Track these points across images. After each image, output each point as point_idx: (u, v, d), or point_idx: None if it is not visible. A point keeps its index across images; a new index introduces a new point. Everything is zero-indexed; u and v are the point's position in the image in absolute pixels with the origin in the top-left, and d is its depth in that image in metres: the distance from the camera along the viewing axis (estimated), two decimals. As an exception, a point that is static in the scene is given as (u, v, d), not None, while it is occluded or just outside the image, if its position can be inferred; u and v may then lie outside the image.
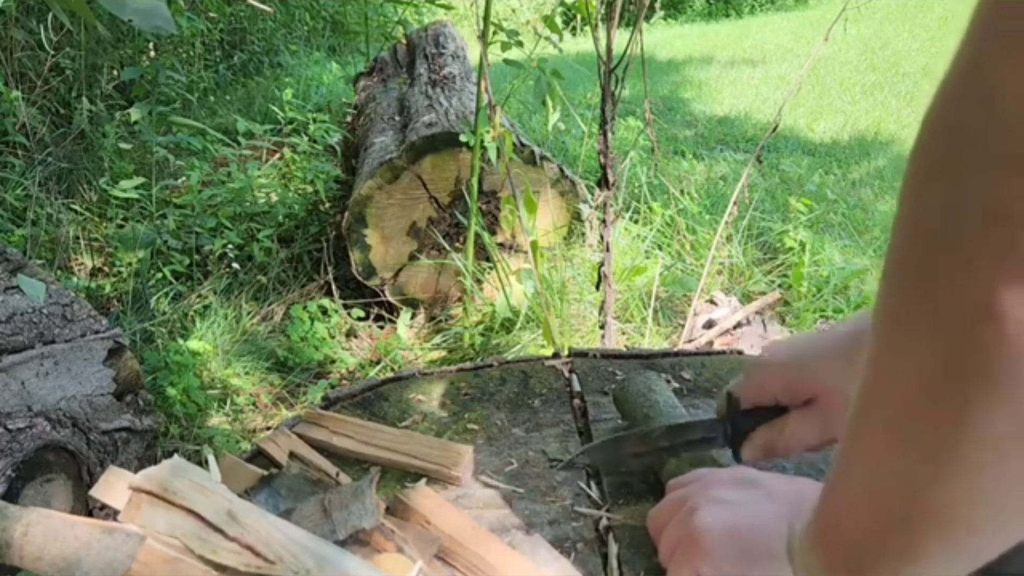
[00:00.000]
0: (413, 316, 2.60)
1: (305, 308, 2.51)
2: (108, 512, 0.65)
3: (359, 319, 2.58)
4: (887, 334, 0.33)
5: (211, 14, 4.99)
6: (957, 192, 0.29)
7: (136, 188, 2.83)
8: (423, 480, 0.73)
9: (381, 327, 2.59)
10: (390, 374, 0.97)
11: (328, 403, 0.87)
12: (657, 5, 2.74)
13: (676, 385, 0.91)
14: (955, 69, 0.29)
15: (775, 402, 0.65)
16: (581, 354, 0.97)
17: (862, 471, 0.36)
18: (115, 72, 4.06)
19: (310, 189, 3.35)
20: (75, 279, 2.67)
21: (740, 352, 1.01)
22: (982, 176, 0.28)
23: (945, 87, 0.30)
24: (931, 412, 0.31)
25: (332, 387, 2.25)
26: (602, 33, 1.96)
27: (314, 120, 3.86)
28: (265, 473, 0.71)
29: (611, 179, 2.07)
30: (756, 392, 0.66)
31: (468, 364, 0.95)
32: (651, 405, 0.77)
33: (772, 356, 0.67)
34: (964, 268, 0.29)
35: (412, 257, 2.56)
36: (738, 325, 2.39)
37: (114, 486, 0.59)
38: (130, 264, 2.66)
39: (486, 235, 2.43)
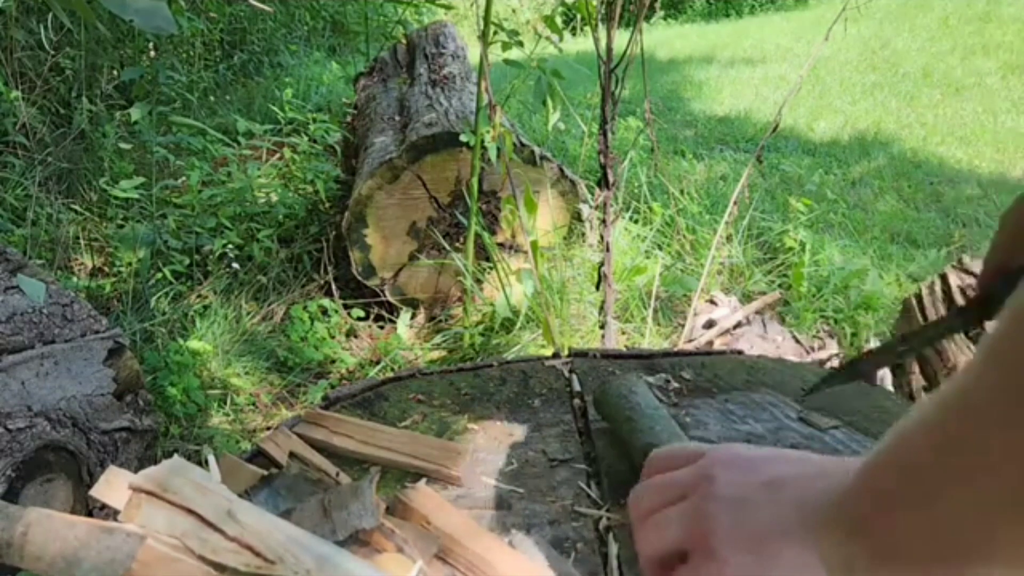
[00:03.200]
0: (413, 316, 2.60)
1: (305, 308, 2.51)
2: (108, 512, 0.65)
3: (359, 319, 2.58)
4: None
5: (211, 14, 4.99)
6: None
7: (136, 188, 2.83)
8: (423, 480, 0.73)
9: (381, 327, 2.59)
10: (390, 374, 0.97)
11: (328, 403, 0.87)
12: (657, 5, 2.74)
13: (676, 385, 0.91)
14: None
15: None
16: (581, 354, 0.97)
17: (941, 500, 0.36)
18: (115, 72, 4.06)
19: (310, 189, 3.35)
20: (75, 279, 2.67)
21: (740, 352, 1.01)
22: None
23: None
24: None
25: (332, 387, 2.25)
26: (602, 33, 1.96)
27: (314, 120, 3.86)
28: (265, 473, 0.70)
29: (611, 179, 2.07)
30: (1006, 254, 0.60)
31: (468, 364, 0.95)
32: (632, 407, 0.77)
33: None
34: None
35: (412, 257, 2.56)
36: (738, 325, 2.39)
37: (114, 486, 0.59)
38: (130, 264, 2.66)
39: (486, 235, 2.43)
